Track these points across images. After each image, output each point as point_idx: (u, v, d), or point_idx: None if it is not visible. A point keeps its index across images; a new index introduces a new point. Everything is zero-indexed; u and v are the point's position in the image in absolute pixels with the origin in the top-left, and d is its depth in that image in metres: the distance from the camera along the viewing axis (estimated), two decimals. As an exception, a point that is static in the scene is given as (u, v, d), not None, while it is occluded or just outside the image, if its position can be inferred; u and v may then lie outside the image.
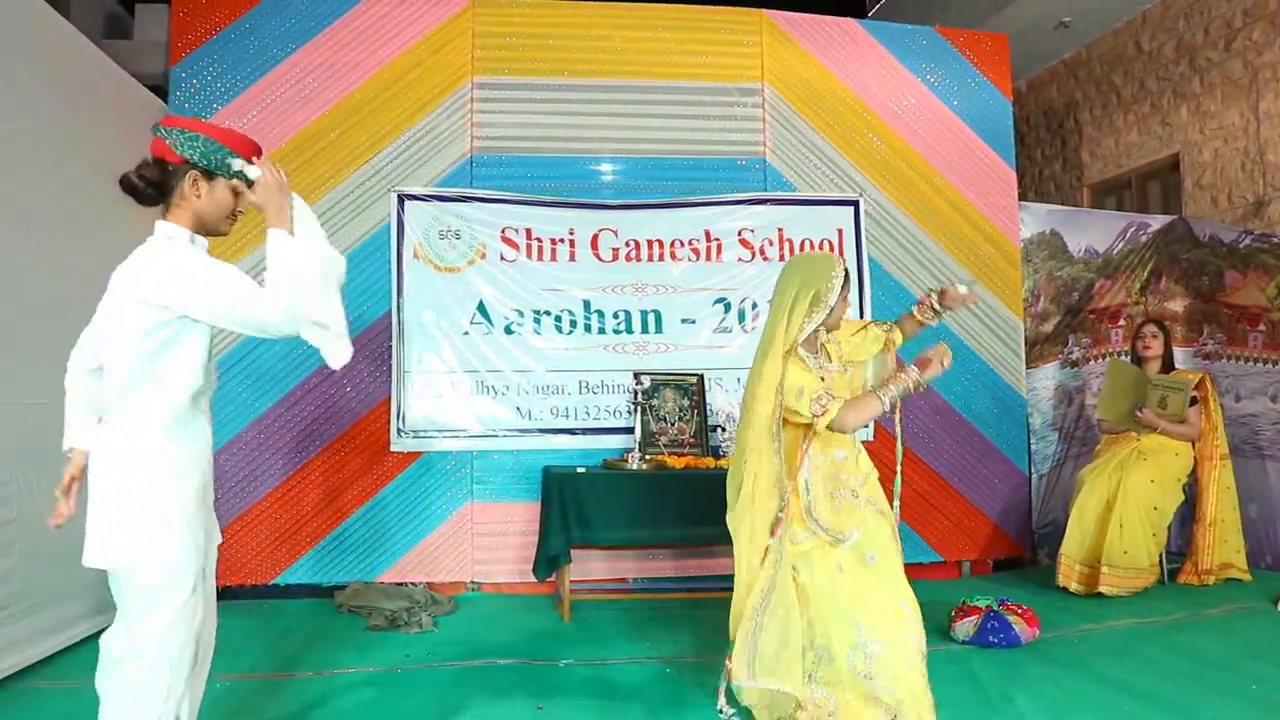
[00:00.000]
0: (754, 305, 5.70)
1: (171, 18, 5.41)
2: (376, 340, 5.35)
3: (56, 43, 4.27)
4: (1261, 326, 6.16)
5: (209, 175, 2.42)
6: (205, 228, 2.46)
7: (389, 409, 5.32)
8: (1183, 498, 5.53)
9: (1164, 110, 7.45)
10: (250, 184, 2.44)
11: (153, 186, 2.40)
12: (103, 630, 2.35)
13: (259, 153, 2.50)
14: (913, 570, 5.65)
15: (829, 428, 3.07)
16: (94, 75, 4.64)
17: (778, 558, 3.08)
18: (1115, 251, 6.34)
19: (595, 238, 5.64)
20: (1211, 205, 7.00)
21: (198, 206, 2.43)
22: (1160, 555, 5.43)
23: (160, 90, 5.40)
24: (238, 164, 2.43)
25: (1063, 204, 8.06)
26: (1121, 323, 6.37)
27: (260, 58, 5.42)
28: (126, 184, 2.41)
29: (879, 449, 5.36)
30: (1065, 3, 7.61)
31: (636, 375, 5.23)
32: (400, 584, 5.23)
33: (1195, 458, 5.54)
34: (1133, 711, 3.38)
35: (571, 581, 5.02)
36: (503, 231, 5.53)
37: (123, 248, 2.40)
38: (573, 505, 4.74)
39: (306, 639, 4.45)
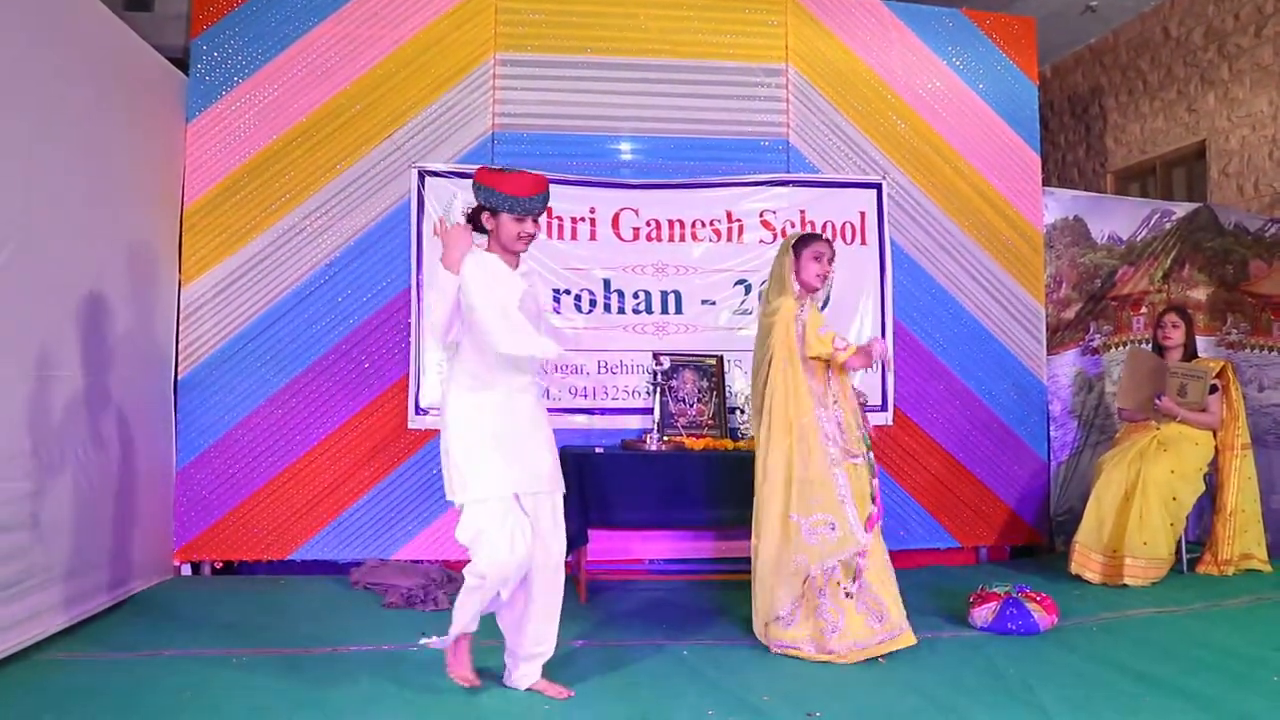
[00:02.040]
0: (774, 288, 5.67)
1: (192, -10, 5.40)
2: (395, 317, 5.32)
3: (78, 14, 4.25)
4: (1286, 316, 6.11)
5: (494, 213, 3.34)
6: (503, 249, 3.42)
7: (407, 387, 5.32)
8: (1203, 488, 5.48)
9: (1191, 97, 7.36)
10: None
11: (477, 229, 3.42)
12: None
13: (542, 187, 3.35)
14: (929, 555, 5.77)
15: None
16: (115, 47, 4.63)
17: None
18: (1139, 238, 6.27)
19: (616, 217, 5.61)
20: (1237, 193, 6.92)
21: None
22: (1179, 545, 5.40)
23: (181, 63, 5.38)
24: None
25: (1086, 190, 7.98)
26: (1144, 310, 6.31)
27: (282, 31, 5.39)
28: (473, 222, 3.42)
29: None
30: (1093, -14, 7.53)
31: (656, 356, 5.21)
32: (416, 562, 5.24)
33: (1216, 447, 5.49)
34: (1153, 702, 3.35)
35: (589, 562, 5.01)
36: (523, 209, 5.49)
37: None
38: (591, 486, 4.72)
39: (322, 615, 4.47)
